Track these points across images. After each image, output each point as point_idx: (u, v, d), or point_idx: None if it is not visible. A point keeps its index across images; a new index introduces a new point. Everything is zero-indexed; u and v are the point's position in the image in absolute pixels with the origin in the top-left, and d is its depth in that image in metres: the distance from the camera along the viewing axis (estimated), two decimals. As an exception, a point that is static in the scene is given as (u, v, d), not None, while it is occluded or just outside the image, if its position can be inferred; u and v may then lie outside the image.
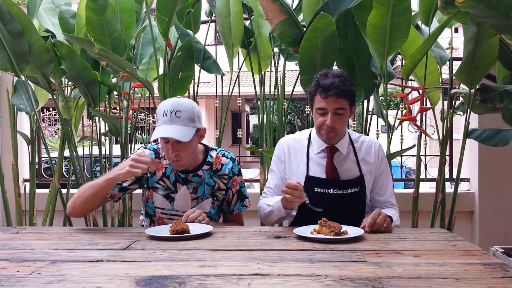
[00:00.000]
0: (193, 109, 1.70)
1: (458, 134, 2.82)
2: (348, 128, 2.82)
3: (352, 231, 1.52)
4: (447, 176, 3.10)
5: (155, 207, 1.84)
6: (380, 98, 2.73)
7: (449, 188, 3.14)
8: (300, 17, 2.61)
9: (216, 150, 1.90)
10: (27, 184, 3.11)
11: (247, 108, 17.74)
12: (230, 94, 2.81)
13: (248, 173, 3.77)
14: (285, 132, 2.79)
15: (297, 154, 1.87)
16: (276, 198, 1.76)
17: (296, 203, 1.65)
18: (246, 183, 3.99)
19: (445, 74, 2.74)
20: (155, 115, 1.78)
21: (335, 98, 1.68)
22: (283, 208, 1.70)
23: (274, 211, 1.75)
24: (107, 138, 2.99)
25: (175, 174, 1.82)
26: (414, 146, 2.56)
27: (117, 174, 1.60)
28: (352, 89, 1.72)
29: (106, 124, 2.85)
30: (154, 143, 1.97)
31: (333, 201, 1.77)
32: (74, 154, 2.73)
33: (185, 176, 1.82)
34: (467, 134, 2.51)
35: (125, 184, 1.82)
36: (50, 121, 9.22)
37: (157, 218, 1.85)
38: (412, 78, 2.73)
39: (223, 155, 1.89)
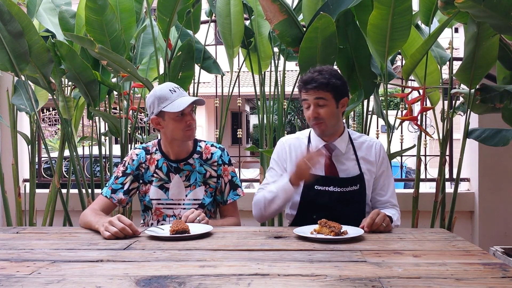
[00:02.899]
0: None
1: (458, 134, 2.82)
2: (348, 128, 2.84)
3: (352, 231, 1.52)
4: (447, 176, 3.10)
5: (151, 200, 1.88)
6: (380, 98, 2.73)
7: (449, 188, 3.14)
8: (300, 17, 2.61)
9: (204, 141, 1.96)
10: (27, 184, 3.11)
11: (247, 108, 17.74)
12: (230, 94, 2.81)
13: (248, 173, 3.76)
14: (285, 132, 2.79)
15: (298, 153, 1.88)
16: (278, 183, 1.78)
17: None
18: (246, 183, 3.98)
19: (445, 74, 2.74)
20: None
21: (314, 90, 1.74)
22: (291, 186, 1.72)
23: (278, 195, 1.76)
24: (107, 138, 2.99)
25: (167, 164, 1.88)
26: (414, 146, 2.56)
27: (98, 227, 1.61)
28: (332, 81, 1.74)
29: (106, 124, 2.85)
30: (145, 143, 1.99)
31: (333, 199, 1.78)
32: (74, 154, 2.73)
33: (177, 165, 1.88)
34: (467, 134, 2.51)
35: (126, 187, 1.86)
36: (50, 121, 9.22)
37: (154, 210, 1.88)
38: (412, 78, 2.73)
39: (212, 145, 1.95)
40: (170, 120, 1.78)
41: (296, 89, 2.87)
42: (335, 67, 2.55)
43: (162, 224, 1.84)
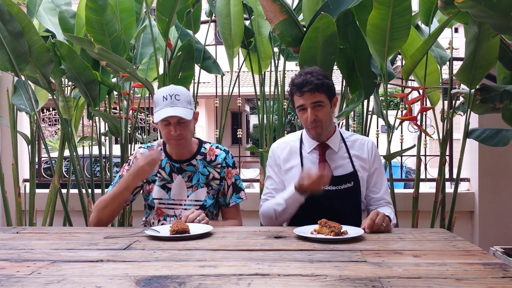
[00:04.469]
0: (188, 94, 1.85)
1: (458, 134, 2.82)
2: (348, 129, 2.84)
3: (352, 231, 1.52)
4: (447, 176, 3.10)
5: (153, 199, 1.89)
6: (380, 98, 2.73)
7: (449, 188, 3.14)
8: (300, 17, 2.61)
9: (209, 143, 1.97)
10: (27, 184, 3.11)
11: (247, 108, 17.73)
12: (230, 94, 2.80)
13: (248, 173, 3.76)
14: (285, 132, 2.78)
15: (291, 155, 1.90)
16: (284, 194, 1.79)
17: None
18: (246, 183, 4.01)
19: (445, 74, 2.74)
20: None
21: (310, 93, 1.74)
22: (299, 196, 1.73)
23: (289, 206, 1.77)
24: (107, 138, 2.99)
25: (170, 164, 1.89)
26: (414, 146, 2.56)
27: (127, 178, 1.73)
28: (325, 82, 1.76)
29: (106, 124, 2.85)
30: (150, 143, 2.01)
31: (329, 197, 1.79)
32: (74, 154, 2.73)
33: (180, 166, 1.89)
34: (467, 134, 2.51)
35: None
36: (50, 121, 9.21)
37: (156, 209, 1.89)
38: (412, 78, 2.73)
39: (217, 147, 1.96)
40: (159, 124, 1.82)
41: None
42: (335, 67, 2.56)
43: (162, 224, 1.84)
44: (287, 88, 2.84)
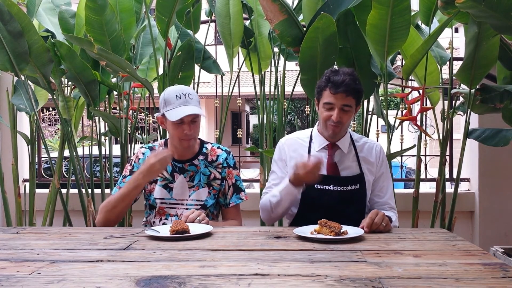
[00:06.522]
0: (197, 94, 1.88)
1: (458, 134, 2.82)
2: (348, 128, 2.84)
3: (352, 231, 1.52)
4: (447, 176, 3.10)
5: (155, 199, 1.89)
6: (380, 98, 2.73)
7: (449, 188, 3.14)
8: (300, 17, 2.61)
9: (211, 143, 1.98)
10: (27, 184, 3.11)
11: (247, 108, 17.73)
12: (230, 94, 2.80)
13: (248, 173, 3.76)
14: (285, 132, 2.79)
15: (298, 152, 1.89)
16: (279, 186, 1.79)
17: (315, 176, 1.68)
18: (246, 183, 4.02)
19: (445, 74, 2.74)
20: (163, 101, 1.86)
21: (344, 95, 1.72)
22: (293, 188, 1.72)
23: (283, 199, 1.76)
24: (107, 138, 2.99)
25: (172, 164, 1.89)
26: (414, 146, 2.56)
27: (143, 177, 1.75)
28: (360, 88, 1.76)
29: (106, 124, 2.85)
30: (151, 142, 2.01)
31: (333, 198, 1.79)
32: (74, 154, 2.73)
33: (182, 166, 1.89)
34: (467, 134, 2.51)
35: None
36: (50, 121, 9.21)
37: (158, 209, 1.89)
38: (412, 78, 2.73)
39: (218, 148, 1.96)
40: (170, 124, 1.80)
41: (296, 89, 2.90)
42: (335, 67, 2.55)
43: (164, 223, 1.84)
44: (287, 88, 2.86)
